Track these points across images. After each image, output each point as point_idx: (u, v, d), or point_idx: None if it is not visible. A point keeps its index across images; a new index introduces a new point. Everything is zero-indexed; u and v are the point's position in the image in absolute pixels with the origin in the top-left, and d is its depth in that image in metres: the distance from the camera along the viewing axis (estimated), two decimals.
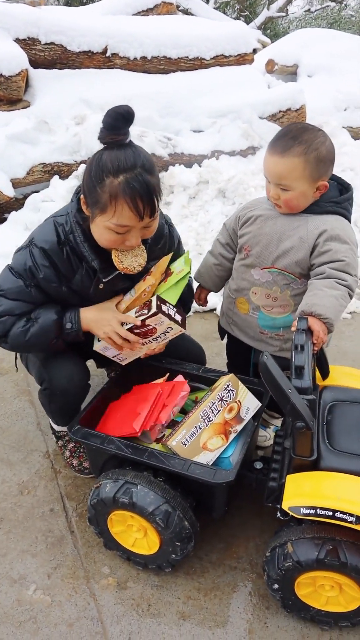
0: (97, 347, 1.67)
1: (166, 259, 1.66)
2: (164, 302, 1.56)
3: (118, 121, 1.32)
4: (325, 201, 1.56)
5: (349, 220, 1.60)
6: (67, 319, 1.58)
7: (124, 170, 1.33)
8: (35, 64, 4.23)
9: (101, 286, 1.58)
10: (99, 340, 1.66)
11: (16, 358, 1.92)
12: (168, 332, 1.59)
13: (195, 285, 1.96)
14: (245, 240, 1.68)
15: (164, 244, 1.71)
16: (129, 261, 1.49)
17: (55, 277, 1.54)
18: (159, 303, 1.53)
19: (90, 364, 1.90)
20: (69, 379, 1.67)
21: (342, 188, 1.62)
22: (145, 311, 1.53)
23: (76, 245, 1.52)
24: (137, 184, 1.33)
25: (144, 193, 1.35)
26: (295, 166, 1.47)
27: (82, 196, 1.45)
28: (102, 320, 1.58)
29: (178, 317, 1.58)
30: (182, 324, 1.59)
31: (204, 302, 1.99)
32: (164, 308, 1.54)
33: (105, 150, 1.37)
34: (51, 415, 1.85)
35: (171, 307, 1.59)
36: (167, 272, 1.69)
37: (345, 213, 1.58)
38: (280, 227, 1.59)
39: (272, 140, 1.53)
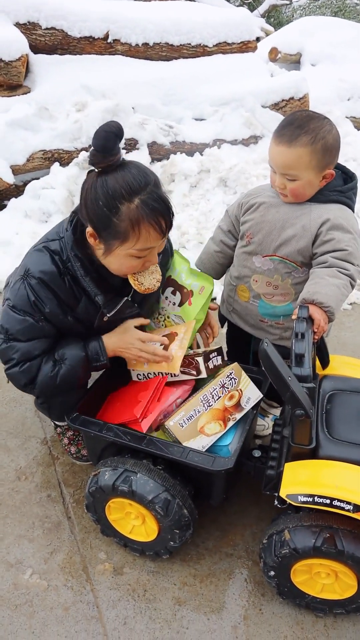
0: (135, 378, 1.70)
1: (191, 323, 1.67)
2: (208, 358, 1.59)
3: (110, 141, 1.21)
4: (330, 190, 1.55)
5: (353, 210, 1.58)
6: (92, 351, 1.50)
7: (137, 192, 1.25)
8: (35, 49, 4.18)
9: (105, 319, 1.52)
10: (134, 373, 1.69)
11: None
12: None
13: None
14: (248, 228, 1.66)
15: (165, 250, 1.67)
16: (148, 281, 1.45)
17: (58, 309, 1.44)
18: (207, 365, 1.58)
19: None
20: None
21: (347, 177, 1.60)
22: (194, 372, 1.58)
23: (76, 277, 1.43)
24: (156, 203, 1.27)
25: (164, 210, 1.29)
26: (302, 156, 1.45)
27: (88, 229, 1.34)
28: (125, 343, 1.52)
29: (218, 362, 1.65)
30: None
31: None
32: (210, 365, 1.60)
33: (105, 176, 1.26)
34: (51, 418, 1.85)
35: (215, 356, 1.63)
36: (183, 291, 1.70)
37: (349, 202, 1.57)
38: (283, 215, 1.58)
39: (277, 129, 1.50)
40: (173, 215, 1.33)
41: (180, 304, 1.73)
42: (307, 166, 1.46)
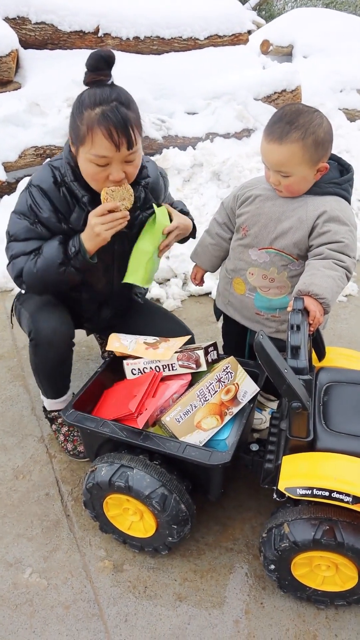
0: (129, 373, 1.69)
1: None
2: (207, 352, 1.61)
3: (100, 62, 1.40)
4: (326, 182, 1.54)
5: (349, 202, 1.57)
6: (70, 244, 1.58)
7: (100, 103, 1.39)
8: (25, 44, 4.15)
9: None
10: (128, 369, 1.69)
11: (12, 314, 1.92)
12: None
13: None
14: (244, 220, 1.65)
15: (158, 193, 1.77)
16: (115, 202, 1.52)
17: (54, 215, 1.58)
18: (206, 358, 1.59)
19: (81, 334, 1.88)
20: (54, 330, 1.68)
21: (343, 169, 1.59)
22: (194, 365, 1.58)
23: (70, 187, 1.56)
24: (112, 115, 1.38)
25: (118, 123, 1.39)
26: (294, 153, 1.44)
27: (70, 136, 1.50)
28: (89, 228, 1.55)
29: (214, 356, 1.67)
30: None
31: (200, 282, 1.97)
32: (209, 359, 1.61)
33: (87, 89, 1.44)
34: (38, 380, 1.84)
35: (212, 350, 1.65)
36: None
37: (345, 194, 1.56)
38: (279, 207, 1.57)
39: (268, 126, 1.49)
40: (132, 133, 1.42)
41: None
42: (300, 162, 1.45)
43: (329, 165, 1.51)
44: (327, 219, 1.48)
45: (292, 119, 1.44)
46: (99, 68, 1.42)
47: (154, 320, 1.91)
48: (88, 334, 2.18)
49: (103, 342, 2.27)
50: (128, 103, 1.43)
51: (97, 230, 1.51)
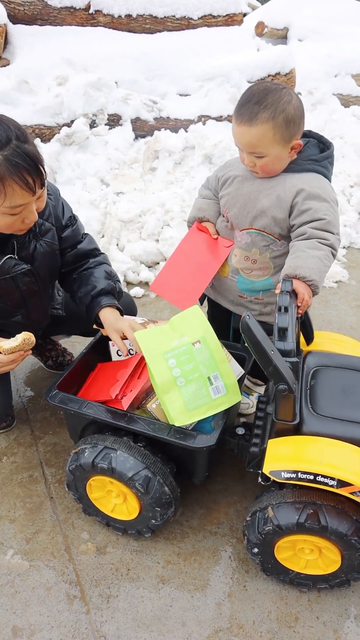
0: (115, 355, 1.68)
1: None
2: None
3: None
4: (304, 159, 1.52)
5: (329, 179, 1.55)
6: None
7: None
8: (14, 19, 4.04)
9: None
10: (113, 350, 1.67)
11: None
12: None
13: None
14: (224, 203, 1.64)
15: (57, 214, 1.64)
16: (8, 344, 1.42)
17: None
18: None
19: None
20: None
21: (324, 147, 1.56)
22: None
23: None
24: (19, 159, 1.25)
25: (30, 165, 1.26)
26: (265, 133, 1.41)
27: None
28: None
29: None
30: None
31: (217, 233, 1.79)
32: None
33: None
34: None
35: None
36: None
37: (324, 171, 1.54)
38: (258, 186, 1.55)
39: (237, 107, 1.46)
40: (43, 170, 1.31)
41: None
42: (272, 141, 1.43)
43: (302, 142, 1.49)
44: (306, 197, 1.46)
45: (261, 99, 1.40)
46: None
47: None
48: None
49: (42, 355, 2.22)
50: (25, 137, 1.28)
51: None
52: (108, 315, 1.61)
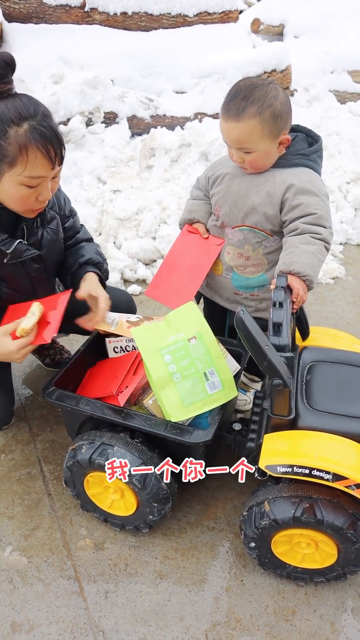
0: (112, 352, 1.69)
1: None
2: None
3: (2, 68, 1.25)
4: (293, 154, 1.52)
5: (319, 173, 1.56)
6: None
7: (26, 118, 1.27)
8: (9, 17, 4.04)
9: (5, 260, 1.50)
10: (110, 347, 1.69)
11: None
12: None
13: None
14: (215, 201, 1.64)
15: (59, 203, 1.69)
16: (24, 322, 1.42)
17: None
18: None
19: None
20: None
21: (313, 141, 1.57)
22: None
23: None
24: (45, 129, 1.29)
25: (53, 138, 1.31)
26: (253, 128, 1.42)
27: None
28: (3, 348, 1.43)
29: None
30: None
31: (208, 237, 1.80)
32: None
33: None
34: None
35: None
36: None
37: (313, 165, 1.54)
38: (247, 183, 1.56)
39: (224, 103, 1.46)
40: (64, 147, 1.35)
41: None
42: (260, 137, 1.43)
43: (290, 137, 1.50)
44: (297, 192, 1.47)
45: (247, 94, 1.41)
46: (4, 75, 1.27)
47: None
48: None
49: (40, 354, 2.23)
50: (51, 115, 1.34)
51: (13, 357, 1.43)
52: (90, 277, 1.64)
